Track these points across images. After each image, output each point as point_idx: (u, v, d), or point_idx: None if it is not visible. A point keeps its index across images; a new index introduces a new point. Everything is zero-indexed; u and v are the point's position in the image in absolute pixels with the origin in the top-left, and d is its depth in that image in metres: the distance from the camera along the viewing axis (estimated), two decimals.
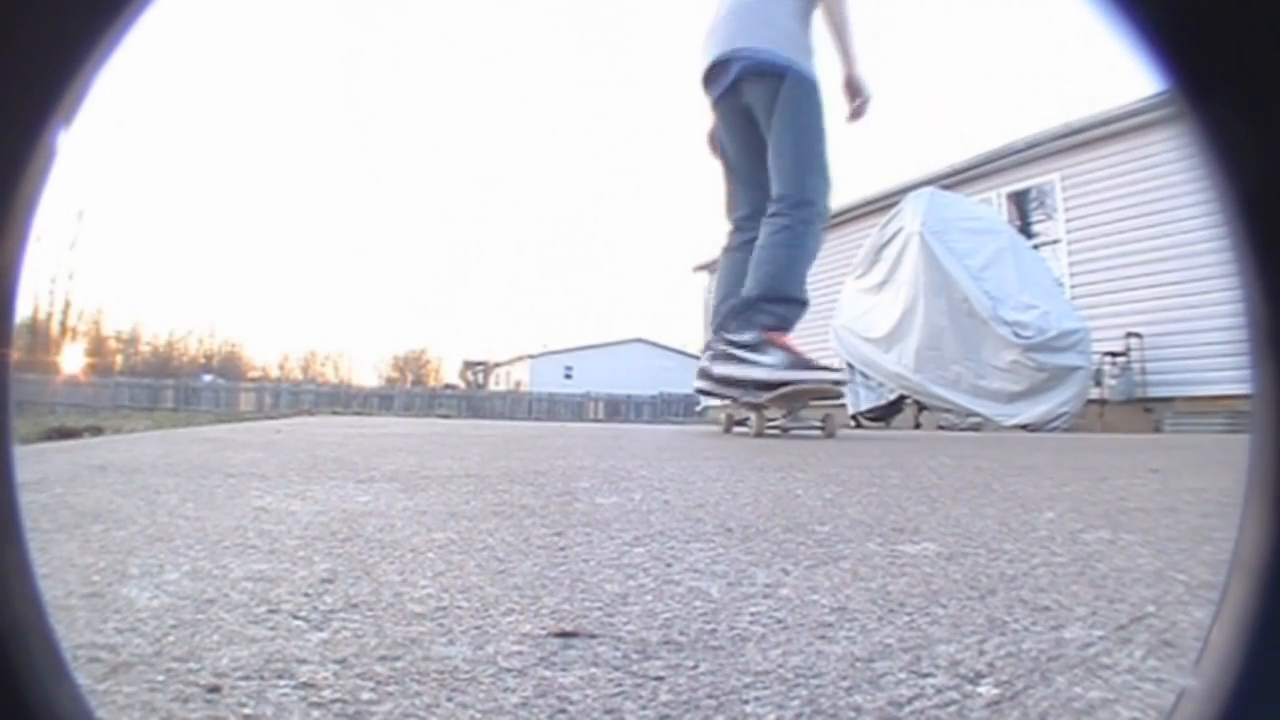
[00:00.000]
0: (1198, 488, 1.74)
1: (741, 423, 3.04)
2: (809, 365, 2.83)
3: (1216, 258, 0.25)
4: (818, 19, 2.95)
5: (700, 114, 3.31)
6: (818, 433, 2.80)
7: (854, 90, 3.03)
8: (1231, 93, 0.24)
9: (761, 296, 2.77)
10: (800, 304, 2.91)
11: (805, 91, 2.87)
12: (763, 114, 2.88)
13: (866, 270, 7.63)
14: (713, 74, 3.03)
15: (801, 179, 2.85)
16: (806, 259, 2.86)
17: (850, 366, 7.56)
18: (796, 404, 2.83)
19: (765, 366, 2.76)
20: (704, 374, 3.09)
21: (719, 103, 3.06)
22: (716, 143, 3.23)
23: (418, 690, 0.57)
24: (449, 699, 0.55)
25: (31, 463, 1.96)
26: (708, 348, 3.15)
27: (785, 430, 2.82)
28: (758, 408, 2.81)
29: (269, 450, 2.49)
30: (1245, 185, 0.24)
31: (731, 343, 2.88)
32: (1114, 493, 1.65)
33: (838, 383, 3.09)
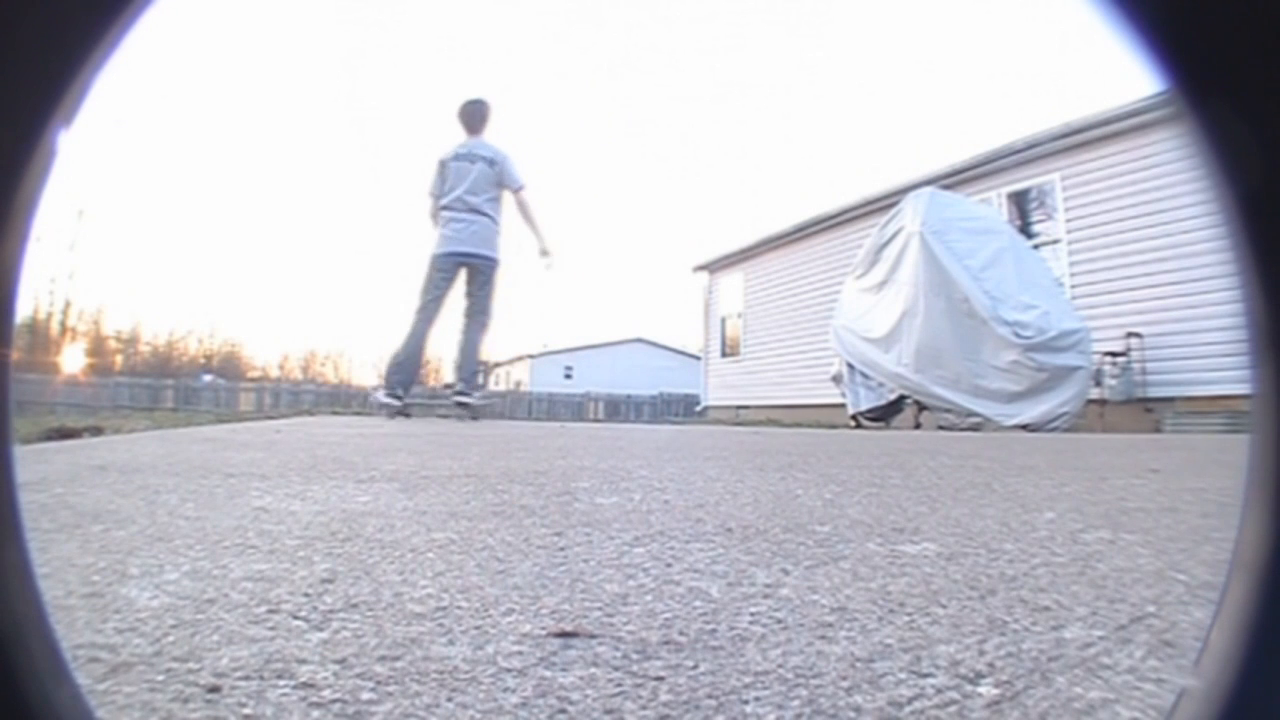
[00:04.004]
0: (1198, 488, 1.74)
1: (446, 416, 6.27)
2: (487, 397, 6.64)
3: (1216, 258, 0.25)
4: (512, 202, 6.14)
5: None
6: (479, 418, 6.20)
7: (544, 254, 6.16)
8: (1231, 93, 0.24)
9: (471, 372, 6.26)
10: (483, 369, 5.75)
11: (492, 268, 6.10)
12: (475, 275, 6.06)
13: (866, 270, 7.62)
14: (455, 253, 6.18)
15: (487, 307, 6.14)
16: (482, 349, 6.34)
17: (850, 366, 7.55)
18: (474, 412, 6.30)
19: (473, 398, 6.18)
20: (386, 397, 6.39)
21: (454, 262, 6.19)
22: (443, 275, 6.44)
23: (418, 690, 0.57)
24: (449, 699, 0.55)
25: (31, 463, 1.96)
26: (447, 387, 6.68)
27: (459, 417, 6.07)
28: (460, 410, 6.27)
29: (269, 450, 2.49)
30: (1245, 185, 0.24)
31: (463, 389, 6.18)
32: (1114, 493, 1.65)
33: (491, 405, 6.57)
